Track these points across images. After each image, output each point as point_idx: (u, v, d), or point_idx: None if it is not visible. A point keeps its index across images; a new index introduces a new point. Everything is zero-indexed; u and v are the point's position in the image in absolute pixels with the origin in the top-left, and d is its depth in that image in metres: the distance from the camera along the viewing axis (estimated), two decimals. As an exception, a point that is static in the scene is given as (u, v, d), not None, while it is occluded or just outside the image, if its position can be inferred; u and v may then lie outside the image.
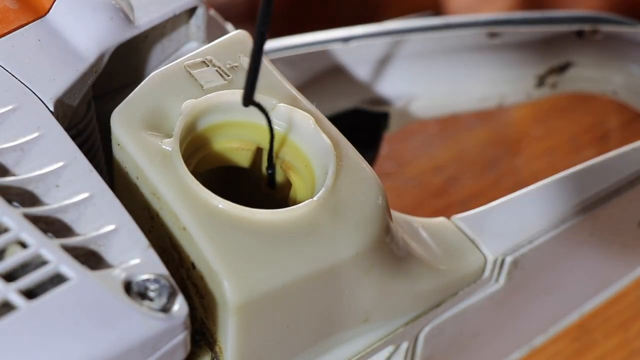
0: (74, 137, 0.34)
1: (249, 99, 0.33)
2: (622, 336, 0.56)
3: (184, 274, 0.34)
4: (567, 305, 0.48)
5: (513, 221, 0.41)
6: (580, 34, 0.54)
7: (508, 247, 0.40)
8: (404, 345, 0.39)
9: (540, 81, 0.54)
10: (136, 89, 0.36)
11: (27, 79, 0.35)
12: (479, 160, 0.64)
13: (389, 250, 0.35)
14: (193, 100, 0.35)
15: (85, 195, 0.32)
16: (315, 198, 0.33)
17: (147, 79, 0.36)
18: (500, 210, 0.41)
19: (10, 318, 0.29)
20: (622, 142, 0.48)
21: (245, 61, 0.37)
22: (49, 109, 0.35)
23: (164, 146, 0.34)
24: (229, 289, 0.31)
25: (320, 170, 0.35)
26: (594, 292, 0.48)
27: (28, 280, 0.30)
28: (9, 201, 0.31)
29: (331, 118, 0.37)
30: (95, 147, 0.39)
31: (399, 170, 0.63)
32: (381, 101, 0.52)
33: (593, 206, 0.43)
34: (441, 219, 0.41)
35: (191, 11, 0.41)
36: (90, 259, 0.31)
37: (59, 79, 0.36)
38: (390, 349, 0.39)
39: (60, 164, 0.33)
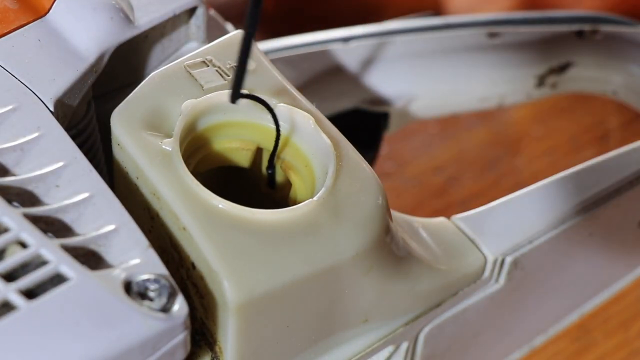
0: (74, 137, 0.34)
1: (236, 96, 0.33)
2: (622, 336, 0.56)
3: (184, 274, 0.34)
4: (567, 305, 0.48)
5: (513, 221, 0.41)
6: (580, 34, 0.54)
7: (508, 247, 0.40)
8: (404, 345, 0.39)
9: (540, 81, 0.54)
10: (136, 89, 0.36)
11: (27, 79, 0.35)
12: (479, 160, 0.64)
13: (389, 250, 0.35)
14: (193, 100, 0.35)
15: (85, 195, 0.32)
16: (315, 198, 0.33)
17: (147, 79, 0.36)
18: (500, 210, 0.41)
19: (10, 318, 0.29)
20: (622, 142, 0.48)
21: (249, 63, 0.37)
22: (49, 109, 0.35)
23: (164, 146, 0.34)
24: (229, 289, 0.31)
25: (320, 170, 0.35)
26: (594, 292, 0.48)
27: (28, 280, 0.30)
28: (9, 201, 0.31)
29: (331, 118, 0.37)
30: (95, 147, 0.39)
31: (399, 170, 0.63)
32: (381, 101, 0.52)
33: (593, 206, 0.43)
34: (441, 219, 0.41)
35: (191, 11, 0.41)
36: (90, 259, 0.31)
37: (59, 79, 0.36)
38: (390, 349, 0.39)
39: (60, 164, 0.33)
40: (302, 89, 0.41)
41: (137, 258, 0.31)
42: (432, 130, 0.65)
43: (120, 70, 0.41)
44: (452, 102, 0.54)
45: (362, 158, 0.35)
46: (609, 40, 0.54)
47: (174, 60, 0.37)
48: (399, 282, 0.36)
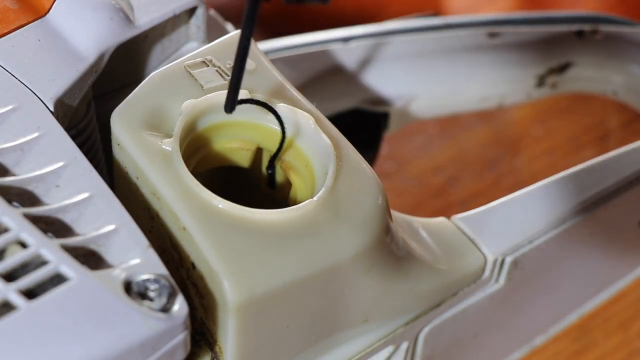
0: (74, 137, 0.34)
1: (232, 105, 0.33)
2: (622, 336, 0.56)
3: (184, 274, 0.34)
4: (567, 305, 0.48)
5: (513, 221, 0.41)
6: (580, 34, 0.54)
7: (508, 247, 0.40)
8: (404, 345, 0.39)
9: (540, 81, 0.54)
10: (136, 89, 0.36)
11: (27, 79, 0.35)
12: (479, 160, 0.64)
13: (389, 250, 0.35)
14: (193, 100, 0.35)
15: (85, 195, 0.32)
16: (315, 198, 0.33)
17: (147, 79, 0.36)
18: (500, 210, 0.41)
19: (10, 318, 0.29)
20: (622, 142, 0.48)
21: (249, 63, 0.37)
22: (49, 109, 0.35)
23: (164, 146, 0.34)
24: (229, 289, 0.31)
25: (320, 170, 0.35)
26: (594, 292, 0.48)
27: (28, 280, 0.30)
28: (9, 201, 0.31)
29: (331, 118, 0.37)
30: (95, 147, 0.39)
31: (399, 170, 0.63)
32: (381, 101, 0.52)
33: (593, 206, 0.43)
34: (441, 219, 0.41)
35: (191, 11, 0.41)
36: (90, 259, 0.31)
37: (59, 79, 0.36)
38: (390, 349, 0.39)
39: (60, 164, 0.33)
40: (302, 89, 0.41)
41: (137, 258, 0.31)
42: (432, 130, 0.65)
43: (120, 70, 0.41)
44: (452, 102, 0.54)
45: (362, 158, 0.35)
46: (609, 40, 0.54)
47: (174, 60, 0.37)
48: (399, 282, 0.36)
